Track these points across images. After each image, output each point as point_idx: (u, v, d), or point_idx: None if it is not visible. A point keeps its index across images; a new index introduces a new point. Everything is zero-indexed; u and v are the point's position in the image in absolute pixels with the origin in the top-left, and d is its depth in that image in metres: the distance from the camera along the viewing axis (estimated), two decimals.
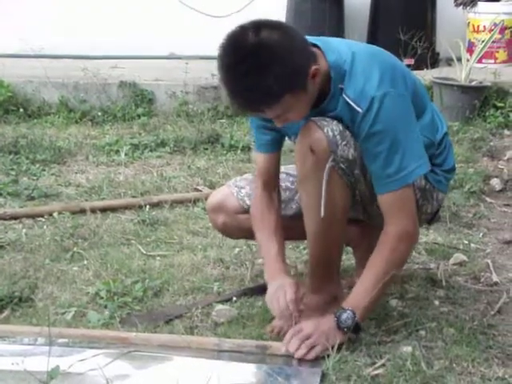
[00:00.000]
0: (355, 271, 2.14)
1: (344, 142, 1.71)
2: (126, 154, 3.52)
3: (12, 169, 3.27)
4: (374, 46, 1.90)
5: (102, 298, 2.02)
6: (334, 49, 1.72)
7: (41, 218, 2.71)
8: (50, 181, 3.17)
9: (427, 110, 1.86)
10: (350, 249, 2.22)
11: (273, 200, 1.93)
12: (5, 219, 2.69)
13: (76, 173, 3.34)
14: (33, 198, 2.93)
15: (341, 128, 1.71)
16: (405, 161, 1.68)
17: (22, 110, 4.19)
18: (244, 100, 1.64)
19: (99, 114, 4.18)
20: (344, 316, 1.67)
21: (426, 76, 3.98)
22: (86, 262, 2.30)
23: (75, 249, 2.40)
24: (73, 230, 2.53)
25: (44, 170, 3.29)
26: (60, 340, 1.75)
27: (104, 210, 2.81)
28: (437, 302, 2.00)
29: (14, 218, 2.70)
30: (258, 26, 1.60)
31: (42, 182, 3.14)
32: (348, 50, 1.72)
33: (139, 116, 4.18)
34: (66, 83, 4.36)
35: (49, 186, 3.10)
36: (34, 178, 3.18)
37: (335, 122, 1.71)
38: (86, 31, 4.94)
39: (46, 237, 2.49)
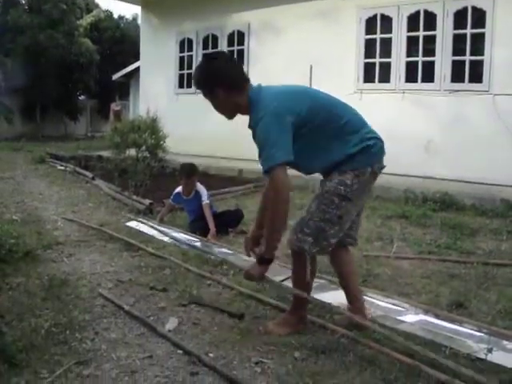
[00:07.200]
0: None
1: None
2: None
3: None
4: (297, 87, 3.34)
5: None
6: (260, 91, 3.20)
7: None
8: None
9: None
10: None
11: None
12: None
13: None
14: None
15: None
16: (270, 151, 2.98)
17: None
18: (196, 80, 3.29)
19: None
20: (259, 260, 3.23)
21: None
22: None
23: None
24: None
25: None
26: None
27: None
28: None
29: None
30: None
31: None
32: (267, 92, 3.18)
33: None
34: None
35: None
36: None
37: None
38: None
39: None
